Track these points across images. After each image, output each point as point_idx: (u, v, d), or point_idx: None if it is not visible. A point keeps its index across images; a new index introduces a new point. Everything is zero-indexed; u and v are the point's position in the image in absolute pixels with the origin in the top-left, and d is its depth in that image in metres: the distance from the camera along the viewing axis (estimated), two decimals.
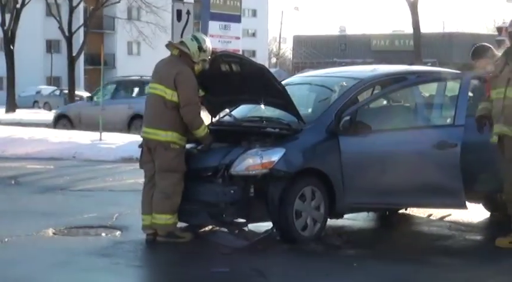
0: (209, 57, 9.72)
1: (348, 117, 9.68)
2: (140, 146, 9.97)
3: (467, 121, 10.10)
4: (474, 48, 11.46)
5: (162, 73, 9.65)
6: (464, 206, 10.25)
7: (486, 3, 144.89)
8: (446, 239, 10.33)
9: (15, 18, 46.31)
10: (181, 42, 9.83)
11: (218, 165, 9.51)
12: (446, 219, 11.20)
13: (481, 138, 10.43)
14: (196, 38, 9.74)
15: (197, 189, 9.50)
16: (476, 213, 11.27)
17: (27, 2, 46.35)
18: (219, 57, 9.82)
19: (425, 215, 11.42)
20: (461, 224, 10.94)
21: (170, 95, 9.47)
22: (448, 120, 10.37)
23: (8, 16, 46.62)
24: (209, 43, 9.83)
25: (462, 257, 9.31)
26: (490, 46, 11.24)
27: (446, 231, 10.63)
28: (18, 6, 45.96)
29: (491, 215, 11.44)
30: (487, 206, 11.40)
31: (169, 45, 9.94)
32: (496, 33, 36.53)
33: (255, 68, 9.83)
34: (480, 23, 77.19)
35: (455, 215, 11.18)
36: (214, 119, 10.44)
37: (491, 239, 9.96)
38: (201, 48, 9.62)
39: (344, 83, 10.58)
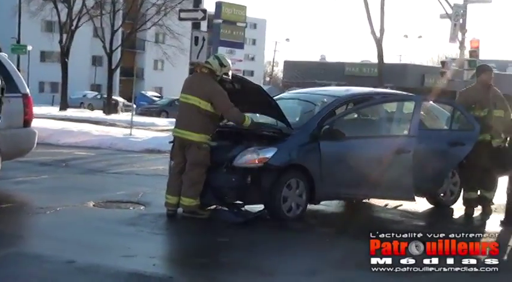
0: (230, 70, 9.63)
1: (327, 126, 9.68)
2: (172, 142, 9.91)
3: (419, 133, 10.09)
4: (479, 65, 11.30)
5: (196, 87, 9.48)
6: (413, 199, 10.26)
7: (434, 42, 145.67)
8: (398, 223, 10.29)
9: (70, 38, 46.77)
10: (207, 62, 9.72)
11: (224, 158, 9.45)
12: (399, 208, 11.16)
13: (429, 147, 10.44)
14: (217, 57, 9.65)
15: (208, 176, 9.43)
16: (421, 205, 11.22)
17: (80, 25, 46.71)
18: (225, 79, 9.72)
19: (383, 205, 11.38)
20: (410, 212, 10.88)
21: (204, 105, 9.35)
22: (405, 132, 10.35)
23: (64, 36, 46.96)
24: (228, 59, 9.75)
25: None
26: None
27: (398, 218, 10.59)
28: (72, 28, 46.48)
29: (433, 207, 11.40)
30: (430, 200, 11.35)
31: (197, 65, 9.86)
32: (440, 66, 36.30)
33: (253, 86, 9.89)
34: (428, 57, 77.52)
35: (406, 205, 11.13)
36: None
37: (432, 224, 9.94)
38: (221, 64, 9.53)
39: (325, 99, 10.55)
